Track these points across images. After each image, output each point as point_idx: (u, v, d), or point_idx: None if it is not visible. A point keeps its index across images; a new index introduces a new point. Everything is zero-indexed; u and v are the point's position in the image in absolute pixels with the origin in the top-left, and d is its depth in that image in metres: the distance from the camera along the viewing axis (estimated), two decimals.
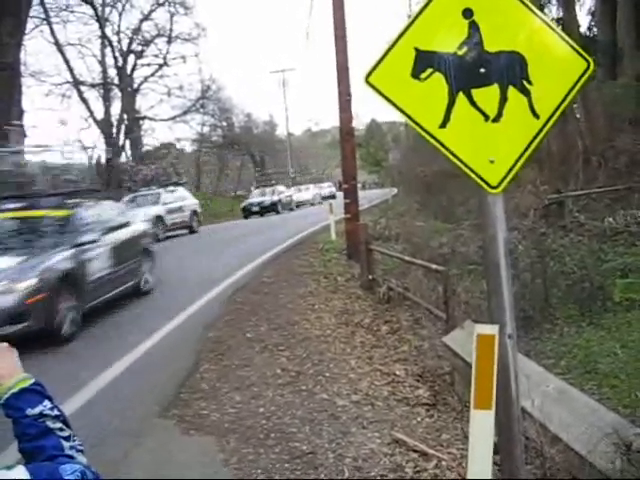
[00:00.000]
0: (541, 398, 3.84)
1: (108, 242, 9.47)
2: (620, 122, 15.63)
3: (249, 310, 8.84)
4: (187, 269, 13.22)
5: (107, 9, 42.35)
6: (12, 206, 9.33)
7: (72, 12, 39.55)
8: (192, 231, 24.76)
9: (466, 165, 2.71)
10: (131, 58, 44.93)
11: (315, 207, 41.58)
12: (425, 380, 5.71)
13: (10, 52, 24.91)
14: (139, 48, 45.29)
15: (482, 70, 2.72)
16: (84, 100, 41.62)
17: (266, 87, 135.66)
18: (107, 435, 4.73)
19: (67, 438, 1.49)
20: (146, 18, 43.99)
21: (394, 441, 4.38)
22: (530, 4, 2.78)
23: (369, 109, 69.76)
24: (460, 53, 2.72)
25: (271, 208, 36.18)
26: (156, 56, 45.79)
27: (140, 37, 44.86)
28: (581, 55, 2.77)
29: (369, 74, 2.73)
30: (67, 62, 40.15)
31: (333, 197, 44.29)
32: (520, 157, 2.74)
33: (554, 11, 20.40)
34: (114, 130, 42.73)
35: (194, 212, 25.80)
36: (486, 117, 2.72)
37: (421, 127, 2.74)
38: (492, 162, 2.71)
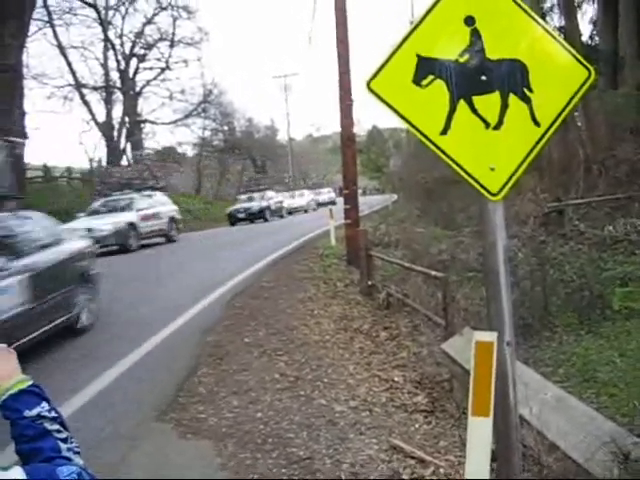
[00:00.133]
0: (539, 406, 3.84)
1: (24, 268, 7.08)
2: (621, 131, 15.65)
3: (248, 315, 8.83)
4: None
5: (110, 12, 42.63)
6: None
7: (75, 15, 39.82)
8: (170, 240, 22.95)
9: (467, 172, 2.72)
10: (133, 61, 45.20)
11: (309, 214, 40.75)
12: (423, 387, 5.70)
13: (12, 54, 24.96)
14: (142, 51, 45.52)
15: (483, 77, 2.73)
16: (86, 103, 41.82)
17: (268, 92, 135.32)
18: None
19: (64, 440, 1.49)
20: (149, 22, 44.22)
21: (392, 447, 4.37)
22: (532, 12, 2.79)
23: (371, 115, 69.76)
24: (462, 60, 2.73)
25: (259, 215, 34.15)
26: (158, 60, 46.03)
27: (143, 41, 45.09)
28: (582, 64, 2.78)
29: (370, 80, 2.74)
30: (69, 65, 40.37)
31: (332, 203, 43.29)
32: (520, 165, 2.75)
33: (556, 19, 20.46)
34: (115, 133, 42.83)
35: (172, 219, 23.89)
36: (487, 124, 2.73)
37: (422, 134, 2.75)
38: (493, 169, 2.72)
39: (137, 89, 45.93)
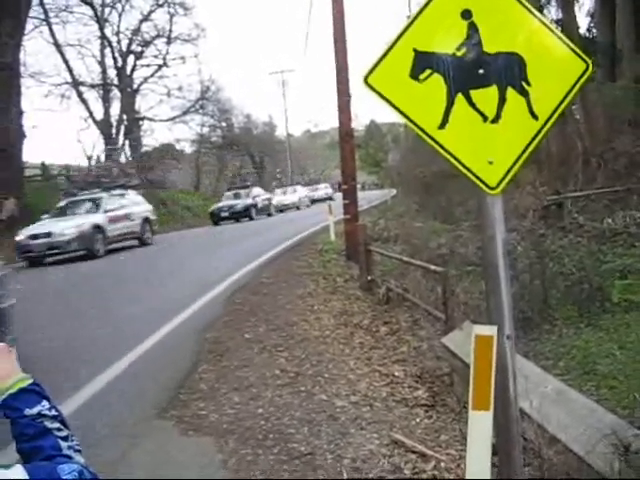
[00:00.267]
0: (539, 399, 3.84)
1: None
2: (619, 123, 15.66)
3: (248, 310, 8.83)
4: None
5: (107, 10, 42.57)
6: None
7: (71, 13, 39.79)
8: (143, 243, 21.37)
9: (465, 166, 2.72)
10: (130, 59, 45.17)
11: (301, 211, 39.78)
12: (424, 381, 5.71)
13: (9, 52, 24.97)
14: (139, 49, 45.50)
15: (481, 71, 2.73)
16: (83, 101, 41.81)
17: (265, 88, 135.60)
18: None
19: (65, 438, 1.49)
20: (145, 19, 44.19)
21: (393, 442, 4.38)
22: (529, 5, 2.78)
23: (369, 110, 69.74)
24: (459, 54, 2.72)
25: (244, 213, 32.30)
26: (155, 57, 46.00)
27: (140, 38, 45.06)
28: (580, 56, 2.78)
29: (368, 75, 2.73)
30: (66, 62, 40.34)
31: (329, 199, 41.54)
32: (519, 158, 2.74)
33: (553, 12, 20.44)
34: (113, 131, 42.79)
35: (146, 220, 21.93)
36: (485, 118, 2.73)
37: (420, 128, 2.75)
38: (491, 163, 2.71)
39: (134, 86, 45.91)
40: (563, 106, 2.78)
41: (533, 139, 2.75)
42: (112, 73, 44.51)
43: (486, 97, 2.73)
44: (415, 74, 2.71)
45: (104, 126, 41.88)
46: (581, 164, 14.50)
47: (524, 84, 2.73)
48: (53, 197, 24.48)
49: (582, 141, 15.19)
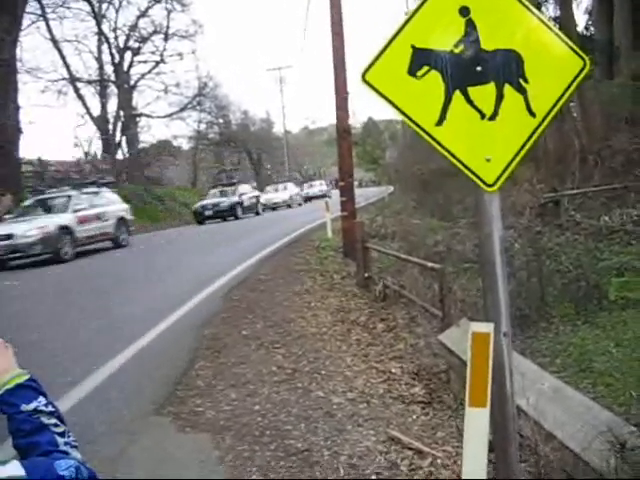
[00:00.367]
0: (536, 396, 3.85)
1: None
2: (617, 121, 15.66)
3: (245, 307, 8.84)
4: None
5: (104, 5, 42.47)
6: None
7: (68, 8, 39.64)
8: (118, 244, 20.00)
9: (462, 163, 2.72)
10: (128, 55, 45.06)
11: (293, 209, 39.17)
12: (421, 378, 5.71)
13: (6, 48, 24.93)
14: (136, 45, 45.42)
15: (478, 68, 2.73)
16: (80, 97, 41.72)
17: (263, 84, 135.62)
18: None
19: (62, 434, 1.49)
20: (143, 15, 44.10)
21: (389, 439, 4.39)
22: (527, 2, 2.78)
23: (366, 107, 69.72)
24: (457, 51, 2.72)
25: (229, 212, 30.91)
26: (153, 53, 45.93)
27: (137, 34, 44.97)
28: (577, 54, 2.78)
29: (366, 72, 2.73)
30: (63, 58, 40.25)
31: (324, 196, 41.07)
32: (516, 155, 2.74)
33: (551, 10, 20.40)
34: (110, 127, 42.72)
35: (121, 220, 20.49)
36: (482, 115, 2.73)
37: (417, 125, 2.74)
38: (488, 160, 2.71)
39: (132, 82, 45.81)
40: (561, 103, 2.78)
41: (531, 136, 2.75)
42: (109, 69, 44.46)
43: (484, 94, 2.72)
44: (413, 71, 2.71)
45: (101, 122, 41.81)
46: (578, 162, 14.51)
47: (522, 81, 2.73)
48: None
49: (579, 139, 15.21)
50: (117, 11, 43.46)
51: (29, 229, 16.45)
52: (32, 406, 1.49)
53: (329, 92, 13.65)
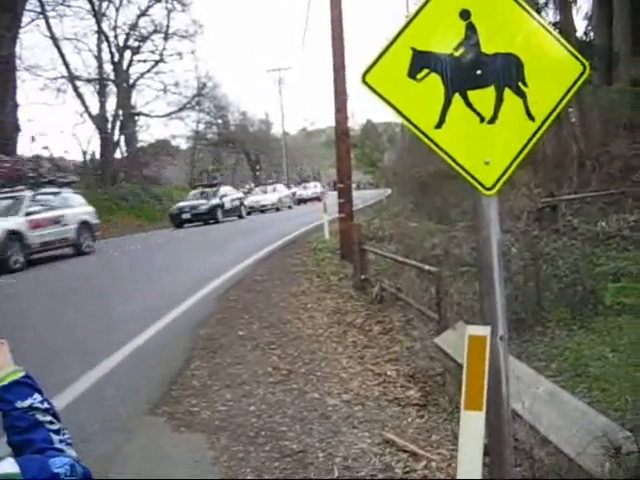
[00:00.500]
0: (531, 400, 3.85)
1: None
2: (615, 127, 15.71)
3: (241, 308, 8.83)
4: None
5: (104, 4, 42.45)
6: None
7: (69, 6, 39.66)
8: (80, 251, 18.13)
9: (461, 166, 2.72)
10: (127, 54, 45.09)
11: (283, 212, 37.47)
12: (416, 381, 5.71)
13: (5, 46, 24.91)
14: (136, 44, 45.44)
15: (478, 72, 2.73)
16: (79, 95, 41.72)
17: (262, 85, 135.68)
18: None
19: (57, 431, 1.49)
20: (143, 14, 44.12)
21: (384, 441, 4.38)
22: (528, 7, 2.79)
23: (365, 109, 69.79)
24: (457, 54, 2.72)
25: (209, 215, 28.81)
26: (152, 52, 45.97)
27: (137, 33, 45.00)
28: (577, 58, 2.78)
29: (366, 73, 2.73)
30: (63, 56, 40.25)
31: (318, 199, 39.91)
32: (515, 159, 2.75)
33: (551, 15, 20.44)
34: (109, 126, 42.70)
35: (84, 224, 18.48)
36: (482, 119, 2.73)
37: (417, 127, 2.74)
38: (487, 164, 2.72)
39: (131, 81, 45.84)
40: (560, 108, 2.79)
41: (530, 140, 2.75)
42: (108, 68, 44.46)
43: (483, 97, 2.73)
44: (413, 73, 2.71)
45: (100, 121, 41.78)
46: (576, 167, 14.56)
47: (521, 85, 2.73)
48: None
49: (577, 144, 15.24)
50: (117, 10, 43.56)
51: None
52: (27, 403, 1.49)
53: (328, 94, 13.66)
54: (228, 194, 32.00)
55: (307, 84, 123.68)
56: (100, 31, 42.49)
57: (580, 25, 23.12)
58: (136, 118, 46.68)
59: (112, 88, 44.37)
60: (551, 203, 12.90)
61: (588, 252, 9.62)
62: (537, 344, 6.76)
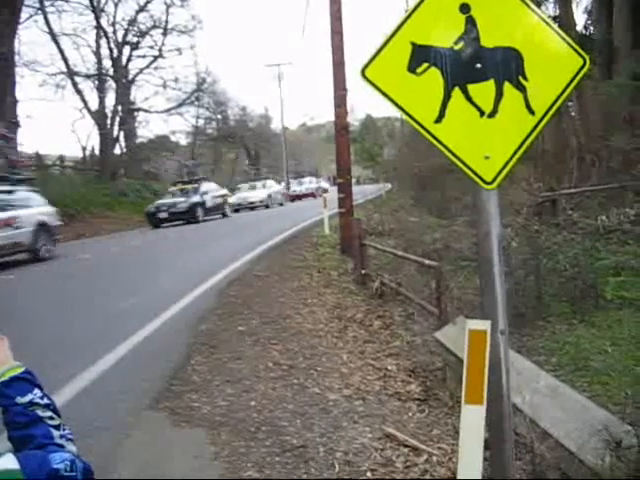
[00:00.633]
0: (532, 394, 3.85)
1: None
2: (615, 121, 15.67)
3: (241, 303, 8.83)
4: None
5: None
6: None
7: (67, 2, 39.45)
8: (37, 257, 15.81)
9: (461, 160, 2.71)
10: (126, 49, 44.93)
11: (274, 209, 35.53)
12: (417, 375, 5.72)
13: (4, 41, 24.84)
14: (134, 39, 45.28)
15: (478, 65, 2.72)
16: (78, 91, 41.58)
17: (261, 80, 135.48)
18: None
19: (57, 427, 1.48)
20: (142, 9, 43.94)
21: (385, 436, 4.39)
22: (527, 0, 2.78)
23: (364, 104, 69.70)
24: (456, 48, 2.72)
25: (188, 214, 26.47)
26: (151, 48, 45.81)
27: (136, 28, 44.82)
28: (577, 52, 2.77)
29: (365, 68, 2.73)
30: (62, 52, 40.08)
31: (312, 196, 39.49)
32: (515, 153, 2.74)
33: (551, 9, 20.39)
34: (108, 121, 42.63)
35: (42, 227, 16.09)
36: (482, 113, 2.72)
37: (416, 122, 2.74)
38: (487, 158, 2.71)
39: (130, 77, 45.69)
40: (560, 101, 2.78)
41: (530, 134, 2.75)
42: (107, 63, 44.29)
43: (483, 91, 2.72)
44: (412, 67, 2.71)
45: (99, 117, 41.68)
46: (576, 161, 14.54)
47: (521, 79, 2.73)
48: (46, 186, 24.11)
49: (577, 138, 15.24)
50: (116, 5, 43.35)
51: None
52: (27, 398, 1.49)
53: (328, 89, 13.65)
54: (210, 191, 29.60)
55: (307, 79, 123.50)
56: (99, 27, 42.37)
57: (580, 19, 23.10)
58: (135, 114, 46.60)
59: (111, 84, 44.27)
60: (551, 197, 12.87)
61: (588, 246, 9.60)
62: (537, 338, 6.77)
